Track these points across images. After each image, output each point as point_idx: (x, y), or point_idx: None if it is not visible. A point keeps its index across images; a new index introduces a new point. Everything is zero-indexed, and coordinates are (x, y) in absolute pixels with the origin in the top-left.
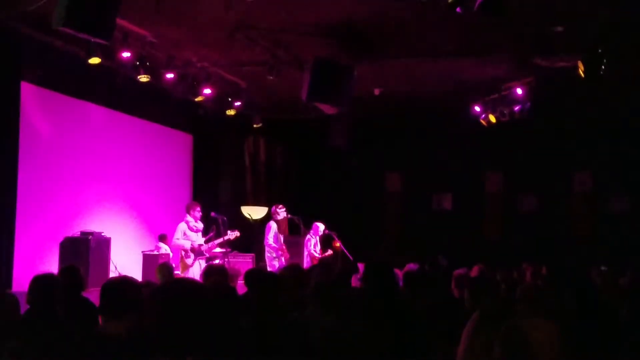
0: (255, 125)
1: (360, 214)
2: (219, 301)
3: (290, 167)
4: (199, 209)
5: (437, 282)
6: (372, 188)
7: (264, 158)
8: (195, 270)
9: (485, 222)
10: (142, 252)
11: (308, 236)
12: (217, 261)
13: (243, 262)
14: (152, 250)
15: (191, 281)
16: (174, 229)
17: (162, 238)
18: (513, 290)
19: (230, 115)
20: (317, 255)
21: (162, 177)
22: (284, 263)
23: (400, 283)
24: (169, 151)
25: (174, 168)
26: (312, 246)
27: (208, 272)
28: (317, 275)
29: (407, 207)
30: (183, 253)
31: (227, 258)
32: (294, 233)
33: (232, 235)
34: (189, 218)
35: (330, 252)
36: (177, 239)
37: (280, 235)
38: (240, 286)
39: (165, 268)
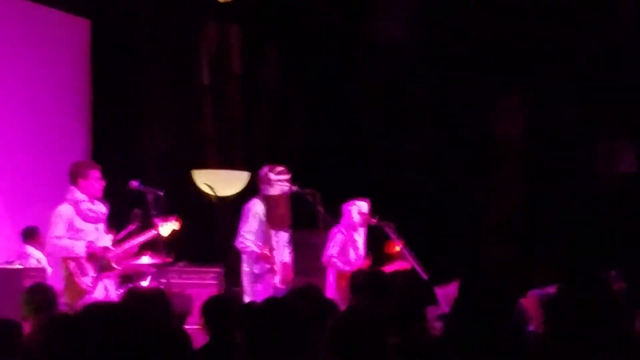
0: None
1: (441, 184)
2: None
3: (298, 91)
4: (97, 174)
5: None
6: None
7: (241, 70)
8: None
9: None
10: None
11: (335, 230)
12: (145, 282)
13: (199, 284)
14: (11, 262)
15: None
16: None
17: (29, 235)
18: None
19: None
20: (345, 268)
21: (32, 109)
22: (280, 284)
23: (530, 326)
24: (46, 54)
25: (53, 89)
26: (338, 249)
27: (129, 302)
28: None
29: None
30: (71, 265)
31: (168, 276)
32: (307, 225)
33: (164, 226)
34: (77, 194)
35: (393, 264)
36: (57, 236)
37: (273, 232)
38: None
39: (38, 295)
